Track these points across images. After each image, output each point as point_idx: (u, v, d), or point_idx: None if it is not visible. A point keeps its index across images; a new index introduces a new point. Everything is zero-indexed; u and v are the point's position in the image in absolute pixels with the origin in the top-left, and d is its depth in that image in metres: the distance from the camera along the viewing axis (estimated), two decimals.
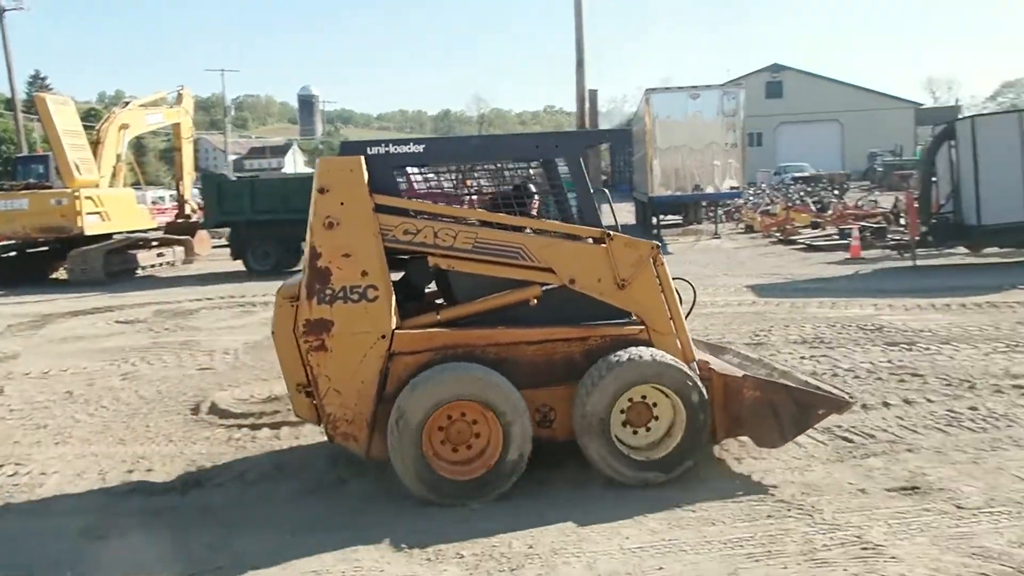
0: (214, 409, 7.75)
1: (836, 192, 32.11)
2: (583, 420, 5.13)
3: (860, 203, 25.72)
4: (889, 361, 8.31)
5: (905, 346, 8.90)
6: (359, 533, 4.77)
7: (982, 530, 4.38)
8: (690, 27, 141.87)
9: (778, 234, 22.54)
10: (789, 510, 4.75)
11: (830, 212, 24.04)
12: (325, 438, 6.62)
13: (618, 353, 5.17)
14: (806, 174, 41.97)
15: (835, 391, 5.35)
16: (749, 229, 25.09)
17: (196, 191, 29.00)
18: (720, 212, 25.92)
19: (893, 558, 4.11)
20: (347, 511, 5.18)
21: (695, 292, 6.43)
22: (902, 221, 18.80)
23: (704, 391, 5.24)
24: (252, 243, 20.27)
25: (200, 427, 7.24)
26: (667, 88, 23.49)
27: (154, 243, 22.65)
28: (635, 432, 5.30)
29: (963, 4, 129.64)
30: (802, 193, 29.98)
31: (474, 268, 5.32)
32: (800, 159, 50.01)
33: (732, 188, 22.95)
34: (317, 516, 5.13)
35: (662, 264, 5.46)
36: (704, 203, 24.92)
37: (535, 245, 5.33)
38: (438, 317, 5.37)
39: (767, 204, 27.81)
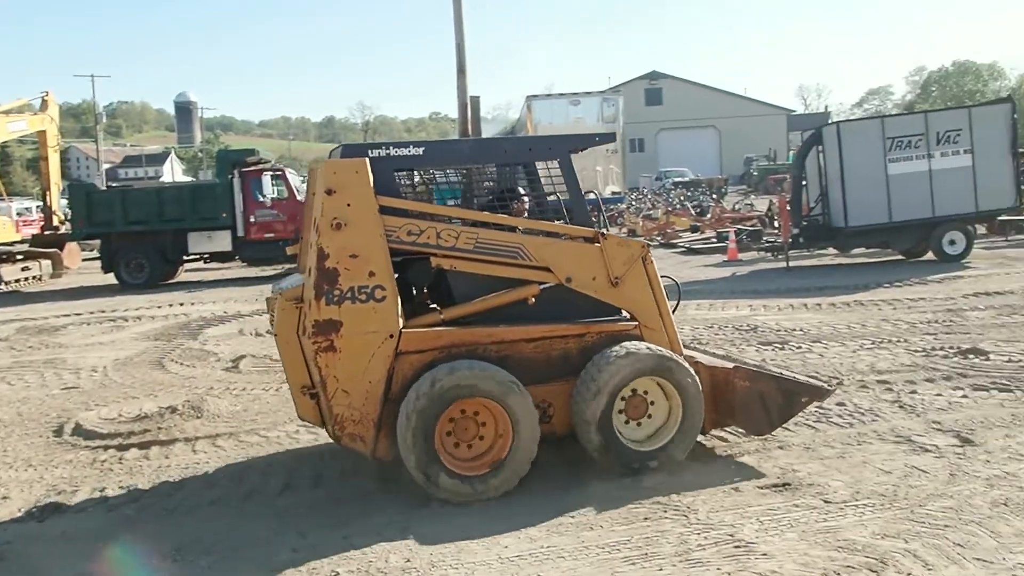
0: (79, 430, 7.34)
1: (715, 196, 33.18)
2: (584, 414, 5.26)
3: (737, 207, 26.66)
4: (763, 360, 8.56)
5: (778, 345, 9.21)
6: (239, 553, 4.60)
7: (848, 523, 4.52)
8: (573, 35, 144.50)
9: (659, 238, 23.08)
10: (666, 511, 4.80)
11: (709, 216, 24.79)
12: (197, 456, 6.45)
13: (616, 348, 5.35)
14: (686, 179, 43.30)
15: (814, 380, 5.72)
16: (632, 233, 25.55)
17: (64, 202, 27.60)
18: (603, 217, 26.32)
19: (764, 555, 4.19)
20: (223, 533, 4.95)
21: (679, 289, 6.51)
22: (776, 224, 19.53)
23: (699, 382, 5.46)
24: (124, 255, 19.43)
25: (63, 450, 6.85)
26: (548, 95, 23.82)
27: (19, 256, 21.40)
28: (637, 424, 5.49)
29: (832, 15, 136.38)
30: (682, 197, 30.81)
31: (475, 268, 5.40)
32: (680, 164, 51.51)
33: (614, 193, 23.40)
34: (190, 538, 4.89)
35: (651, 262, 5.65)
36: (588, 208, 25.23)
37: (533, 245, 5.45)
38: (442, 316, 5.43)
39: (649, 209, 28.48)
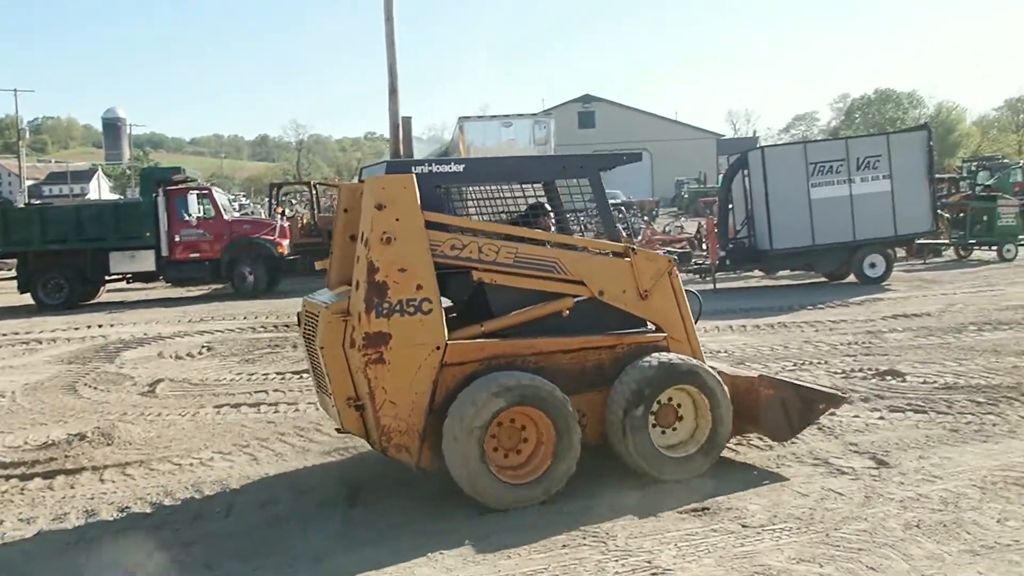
0: None
1: (646, 218, 33.56)
2: (621, 422, 5.45)
3: (667, 229, 27.01)
4: None
5: None
6: None
7: (764, 548, 4.52)
8: (508, 58, 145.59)
9: None
10: (584, 538, 4.74)
11: (639, 238, 25.01)
12: (104, 486, 6.18)
13: (649, 358, 5.59)
14: (618, 201, 43.70)
15: (831, 389, 6.09)
16: None
17: None
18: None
19: None
20: (125, 567, 4.73)
21: (701, 303, 6.52)
22: (704, 246, 19.80)
23: (726, 389, 5.72)
24: (42, 275, 18.74)
25: None
26: (480, 116, 23.85)
27: None
28: (663, 432, 5.70)
29: (760, 43, 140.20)
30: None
31: (513, 281, 5.58)
32: (613, 187, 51.92)
33: None
34: (90, 573, 4.66)
35: (676, 276, 5.94)
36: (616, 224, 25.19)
37: (569, 259, 5.67)
38: (482, 328, 5.54)
39: (581, 230, 28.57)
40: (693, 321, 6.01)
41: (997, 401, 7.31)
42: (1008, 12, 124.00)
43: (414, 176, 5.34)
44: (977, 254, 20.33)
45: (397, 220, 5.21)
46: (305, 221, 24.70)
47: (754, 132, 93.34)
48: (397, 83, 22.20)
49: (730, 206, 17.66)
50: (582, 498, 5.33)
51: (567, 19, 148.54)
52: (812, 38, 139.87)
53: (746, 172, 16.81)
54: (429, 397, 5.25)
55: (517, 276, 5.56)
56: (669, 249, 21.30)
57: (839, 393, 6.11)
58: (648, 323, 5.90)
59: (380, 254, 5.17)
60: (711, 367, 5.88)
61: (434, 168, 5.60)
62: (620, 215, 33.46)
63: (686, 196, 48.34)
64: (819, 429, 6.67)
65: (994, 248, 19.86)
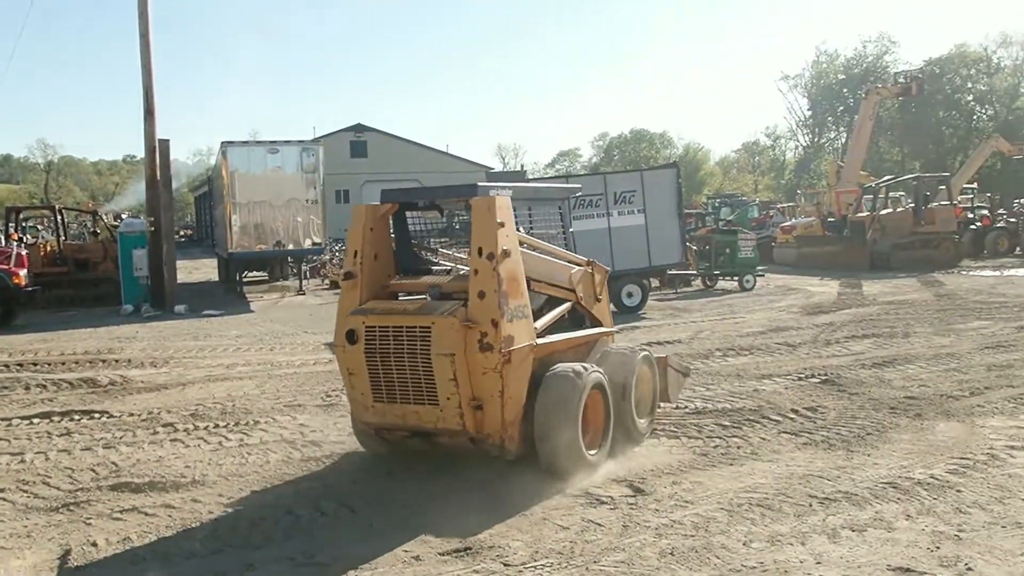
0: None
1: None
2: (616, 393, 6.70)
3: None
4: None
5: None
6: None
7: None
8: (279, 83, 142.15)
9: None
10: None
11: None
12: None
13: (623, 348, 7.43)
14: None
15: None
16: (334, 285, 25.08)
17: None
18: (305, 268, 25.65)
19: None
20: None
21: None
22: None
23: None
24: None
25: None
26: (245, 142, 22.82)
27: None
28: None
29: (526, 79, 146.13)
30: None
31: (545, 289, 6.61)
32: None
33: (314, 244, 22.80)
34: None
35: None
36: (289, 259, 24.45)
37: (572, 273, 6.96)
38: (536, 328, 6.26)
39: None
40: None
41: (740, 424, 7.76)
42: (744, 59, 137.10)
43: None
44: (721, 284, 21.93)
45: (507, 236, 5.91)
46: (49, 249, 22.50)
47: (522, 166, 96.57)
48: (154, 104, 20.86)
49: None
50: (338, 545, 5.01)
51: (339, 48, 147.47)
52: (576, 78, 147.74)
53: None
54: (527, 389, 6.01)
55: (548, 285, 6.65)
56: None
57: (688, 367, 8.69)
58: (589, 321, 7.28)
59: (503, 267, 5.82)
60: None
61: (501, 192, 6.24)
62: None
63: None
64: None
65: (735, 278, 21.51)
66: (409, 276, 6.62)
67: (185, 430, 8.09)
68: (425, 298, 6.19)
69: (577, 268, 7.04)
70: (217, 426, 8.21)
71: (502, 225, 5.86)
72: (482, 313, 5.72)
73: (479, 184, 6.34)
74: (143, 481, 6.47)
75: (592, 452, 6.24)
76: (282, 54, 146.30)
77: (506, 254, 5.83)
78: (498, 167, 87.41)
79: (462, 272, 6.35)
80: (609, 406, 6.50)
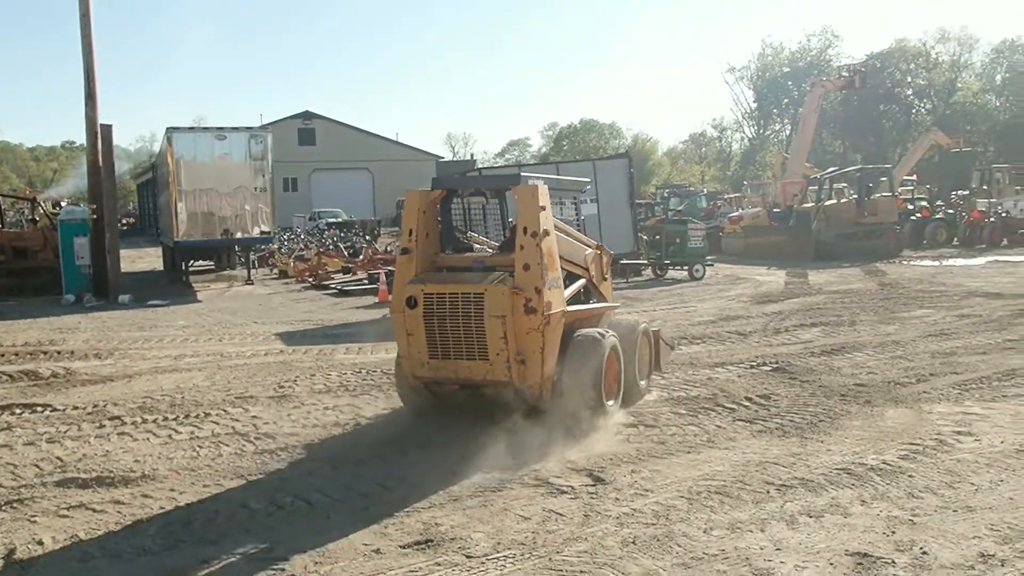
0: None
1: (367, 237, 33.26)
2: (626, 355, 7.82)
3: (388, 248, 26.87)
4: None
5: None
6: None
7: None
8: (225, 69, 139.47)
9: (311, 279, 22.53)
10: None
11: (361, 257, 24.70)
12: None
13: (620, 316, 8.93)
14: (340, 219, 43.10)
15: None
16: (283, 275, 24.76)
17: None
18: (254, 257, 25.24)
19: None
20: None
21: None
22: None
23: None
24: None
25: None
26: (191, 128, 22.37)
27: None
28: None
29: (476, 68, 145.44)
30: (335, 238, 30.50)
31: (568, 267, 7.61)
32: (335, 205, 51.29)
33: (263, 233, 22.41)
34: None
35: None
36: (237, 248, 24.02)
37: (587, 254, 8.25)
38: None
39: (301, 249, 27.78)
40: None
41: (696, 412, 7.82)
42: (692, 50, 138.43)
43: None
44: (671, 273, 22.11)
45: (547, 218, 6.98)
46: None
47: (471, 155, 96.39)
48: (95, 88, 20.30)
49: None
50: (296, 539, 4.92)
51: (286, 34, 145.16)
52: (524, 67, 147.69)
53: None
54: (560, 348, 7.01)
55: (569, 263, 7.68)
56: (391, 268, 21.18)
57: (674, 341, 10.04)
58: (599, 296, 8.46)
59: (546, 244, 6.85)
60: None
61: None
62: (341, 234, 33.09)
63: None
64: (537, 448, 6.72)
65: (685, 268, 21.70)
66: (453, 253, 7.61)
67: (133, 423, 7.88)
68: (470, 270, 7.21)
69: (590, 250, 8.31)
70: (166, 419, 8.01)
71: (543, 209, 6.95)
72: (527, 282, 6.76)
73: (522, 174, 7.47)
74: (90, 476, 6.28)
75: (609, 402, 7.41)
76: (228, 39, 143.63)
77: (546, 233, 6.91)
78: (448, 156, 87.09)
79: (490, 251, 7.67)
80: (621, 365, 7.62)
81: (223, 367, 10.64)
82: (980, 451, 6.46)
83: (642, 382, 8.34)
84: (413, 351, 7.13)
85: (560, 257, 7.24)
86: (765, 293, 17.50)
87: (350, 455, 6.73)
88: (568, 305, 7.30)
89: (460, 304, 6.85)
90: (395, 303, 7.17)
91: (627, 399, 7.87)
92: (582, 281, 8.01)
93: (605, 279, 8.60)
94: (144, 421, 7.95)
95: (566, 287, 7.45)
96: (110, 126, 20.01)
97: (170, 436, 7.43)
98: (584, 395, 6.98)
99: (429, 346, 7.02)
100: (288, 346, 12.33)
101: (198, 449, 7.00)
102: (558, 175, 17.05)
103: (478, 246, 7.88)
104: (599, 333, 7.42)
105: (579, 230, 8.60)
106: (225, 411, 8.27)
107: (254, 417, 8.03)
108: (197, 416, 8.09)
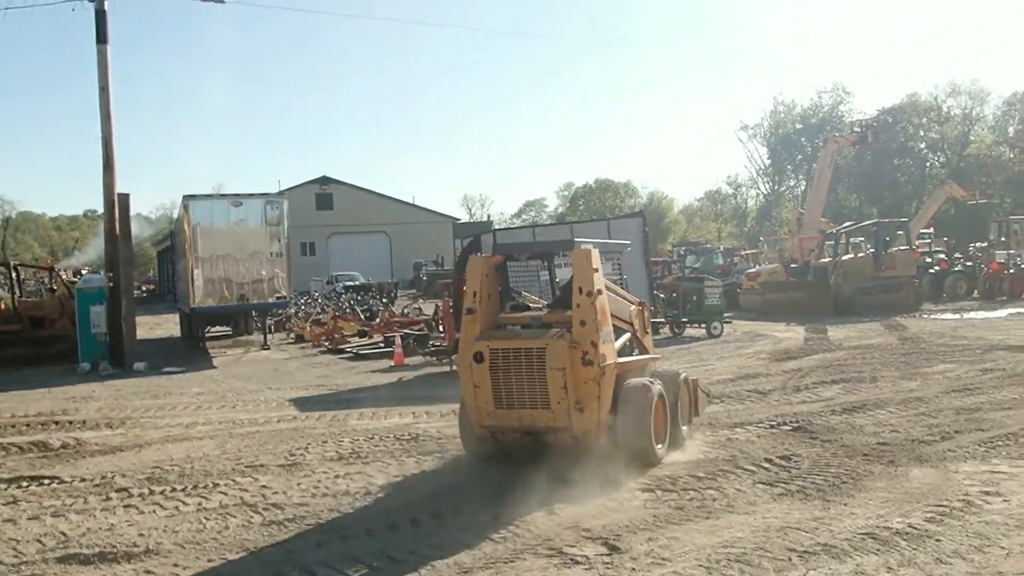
0: None
1: (384, 300, 33.31)
2: (670, 402, 8.41)
3: (406, 311, 26.86)
4: (422, 472, 8.29)
5: (437, 455, 8.97)
6: None
7: None
8: (243, 136, 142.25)
9: (327, 343, 22.49)
10: None
11: (377, 320, 24.67)
12: None
13: (663, 368, 9.27)
14: (357, 283, 43.27)
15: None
16: (300, 339, 24.74)
17: None
18: (270, 322, 25.29)
19: None
20: None
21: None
22: (441, 328, 19.77)
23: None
24: None
25: None
26: (208, 195, 22.59)
27: None
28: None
29: (491, 131, 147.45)
30: (352, 301, 30.55)
31: (615, 322, 8.09)
32: (352, 268, 51.54)
33: (279, 298, 22.46)
34: None
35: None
36: (254, 313, 24.08)
37: (631, 310, 8.89)
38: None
39: (319, 313, 27.82)
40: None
41: (715, 475, 7.60)
42: (705, 109, 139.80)
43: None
44: (689, 331, 21.91)
45: (600, 279, 7.63)
46: (3, 306, 21.93)
47: (488, 216, 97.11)
48: (113, 156, 20.62)
49: (464, 288, 17.76)
50: None
51: (304, 101, 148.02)
52: (539, 128, 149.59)
53: (479, 254, 17.01)
54: (613, 396, 7.62)
55: (617, 318, 8.19)
56: (407, 331, 21.14)
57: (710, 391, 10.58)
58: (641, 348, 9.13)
59: (598, 302, 7.48)
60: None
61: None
62: (358, 298, 33.15)
63: (424, 278, 48.81)
64: (551, 515, 6.55)
65: (703, 325, 21.51)
66: (512, 311, 8.21)
67: (140, 495, 7.75)
68: (527, 327, 7.86)
69: (634, 306, 8.96)
70: (174, 490, 7.88)
71: (596, 271, 7.60)
72: (584, 336, 7.40)
73: (576, 240, 8.20)
74: (93, 552, 6.14)
75: (658, 446, 7.95)
76: (248, 107, 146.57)
77: (600, 292, 7.55)
78: (464, 218, 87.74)
79: (542, 310, 8.17)
80: (667, 411, 8.19)
81: (235, 435, 10.53)
82: (1009, 512, 6.23)
83: (684, 427, 8.81)
84: (480, 402, 7.79)
85: (611, 314, 7.88)
86: (784, 350, 17.27)
87: (360, 525, 6.57)
88: (618, 357, 7.92)
89: (523, 358, 7.51)
90: (462, 358, 7.86)
91: (673, 443, 8.37)
92: (628, 335, 8.62)
93: (647, 332, 9.26)
94: (151, 492, 7.82)
95: (616, 340, 8.05)
96: (127, 194, 20.27)
97: (177, 508, 7.29)
98: (639, 439, 7.66)
99: (495, 397, 7.67)
100: (301, 412, 12.22)
101: (204, 521, 6.86)
102: (573, 236, 17.12)
103: (534, 305, 8.42)
104: (647, 381, 8.01)
105: (623, 287, 9.18)
106: (234, 481, 8.13)
107: (263, 487, 7.88)
108: (205, 487, 7.96)
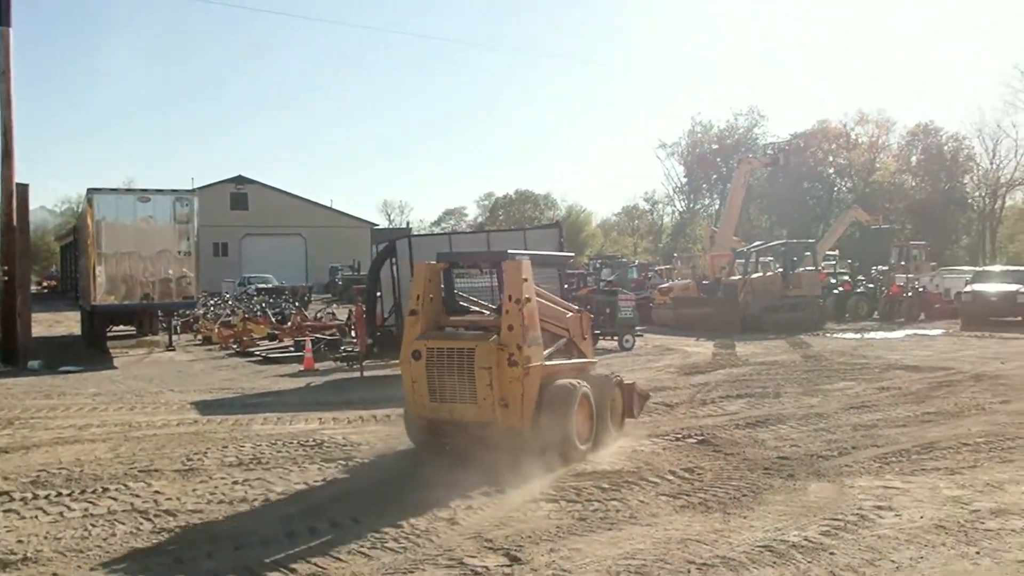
0: None
1: (297, 304, 32.67)
2: (598, 403, 8.95)
3: (319, 315, 26.39)
4: (324, 479, 8.10)
5: (342, 461, 8.78)
6: None
7: None
8: (158, 132, 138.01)
9: (235, 346, 21.92)
10: None
11: (288, 324, 24.18)
12: None
13: (599, 372, 9.83)
14: (269, 285, 42.36)
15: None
16: (208, 340, 24.05)
17: None
18: (177, 323, 24.52)
19: None
20: None
21: None
22: (353, 333, 19.47)
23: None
24: None
25: None
26: (113, 189, 21.74)
27: None
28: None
29: (412, 137, 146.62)
30: (263, 304, 29.86)
31: (549, 327, 8.79)
32: (266, 270, 50.43)
33: (186, 298, 21.80)
34: None
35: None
36: (159, 313, 23.29)
37: (567, 317, 9.42)
38: (544, 353, 8.55)
39: (228, 315, 27.10)
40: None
41: (619, 486, 7.63)
42: (626, 126, 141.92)
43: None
44: (601, 343, 22.03)
45: (528, 288, 8.21)
46: None
47: (407, 223, 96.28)
48: (13, 145, 19.71)
49: (378, 293, 17.56)
50: None
51: (220, 100, 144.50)
52: (462, 138, 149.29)
53: (394, 260, 16.83)
54: (538, 395, 8.18)
55: (551, 323, 8.88)
56: (319, 336, 20.76)
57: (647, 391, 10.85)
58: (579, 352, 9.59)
59: (525, 309, 8.08)
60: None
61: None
62: (270, 300, 32.43)
63: (340, 283, 48.15)
64: (452, 524, 6.47)
65: (615, 338, 21.71)
66: (453, 315, 8.84)
67: (22, 499, 7.35)
68: (465, 329, 8.54)
69: (571, 314, 9.54)
70: (60, 494, 7.50)
71: (526, 280, 8.18)
72: (511, 340, 8.01)
73: (510, 251, 8.81)
74: None
75: (583, 445, 8.50)
76: (162, 103, 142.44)
77: (527, 300, 8.13)
78: (383, 223, 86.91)
79: (485, 314, 8.82)
80: (593, 412, 8.71)
81: (130, 438, 10.12)
82: (900, 527, 6.41)
83: (614, 429, 9.37)
84: (417, 396, 8.48)
85: (542, 319, 8.51)
86: (693, 364, 17.56)
87: (255, 534, 6.36)
88: (549, 360, 8.56)
89: (456, 357, 8.18)
90: (404, 356, 8.50)
91: (600, 443, 8.91)
92: (563, 340, 9.23)
93: (585, 338, 9.73)
94: (35, 497, 7.42)
95: (550, 344, 8.77)
96: (26, 185, 19.44)
97: (61, 514, 6.93)
98: (559, 434, 8.11)
99: (430, 391, 8.34)
100: (203, 415, 11.82)
101: (90, 528, 6.54)
102: (489, 245, 17.09)
103: (476, 309, 9.05)
104: (573, 382, 8.52)
105: (562, 297, 9.76)
106: (125, 486, 7.79)
107: (156, 492, 7.57)
108: (94, 491, 7.60)
